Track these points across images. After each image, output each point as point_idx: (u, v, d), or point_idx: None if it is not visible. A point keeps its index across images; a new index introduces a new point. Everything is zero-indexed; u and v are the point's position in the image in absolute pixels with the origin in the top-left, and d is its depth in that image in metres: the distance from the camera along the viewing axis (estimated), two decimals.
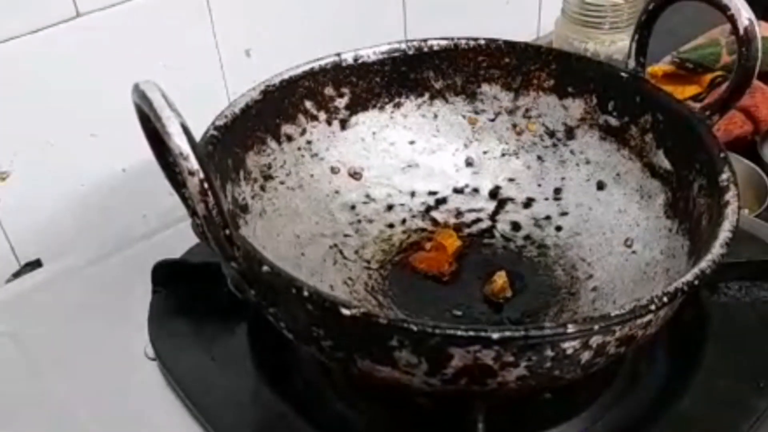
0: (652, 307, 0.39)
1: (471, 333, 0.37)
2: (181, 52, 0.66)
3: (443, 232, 0.59)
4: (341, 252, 0.56)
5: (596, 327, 0.38)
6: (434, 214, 0.61)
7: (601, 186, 0.58)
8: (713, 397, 0.49)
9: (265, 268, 0.40)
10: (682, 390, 0.49)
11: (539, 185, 0.61)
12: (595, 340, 0.40)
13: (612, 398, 0.50)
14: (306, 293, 0.39)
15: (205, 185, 0.37)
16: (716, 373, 0.50)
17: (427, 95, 0.61)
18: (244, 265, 0.40)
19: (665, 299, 0.40)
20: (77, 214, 0.67)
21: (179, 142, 0.36)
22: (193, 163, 0.36)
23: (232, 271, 0.41)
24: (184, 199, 0.43)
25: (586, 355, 0.40)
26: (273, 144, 0.55)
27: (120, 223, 0.68)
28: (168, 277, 0.56)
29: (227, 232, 0.39)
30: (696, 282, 0.41)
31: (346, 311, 0.38)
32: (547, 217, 0.59)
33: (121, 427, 0.50)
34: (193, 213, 0.40)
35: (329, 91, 0.58)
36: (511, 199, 0.61)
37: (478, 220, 0.61)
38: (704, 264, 0.41)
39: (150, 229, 0.66)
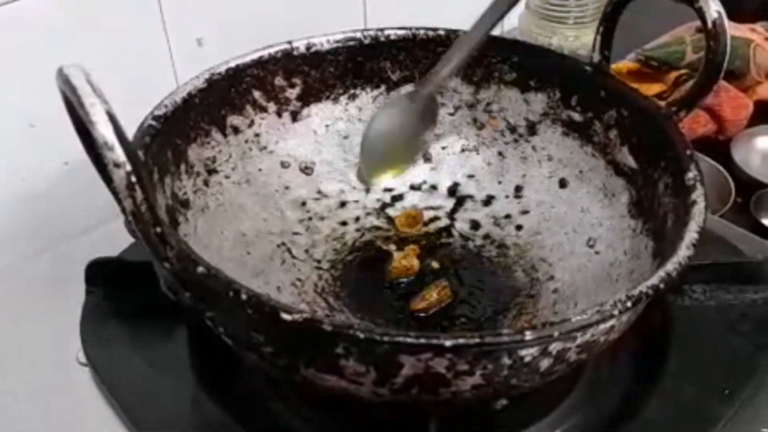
0: (615, 311, 0.37)
1: (422, 340, 0.34)
2: (128, 41, 0.62)
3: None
4: (290, 251, 0.53)
5: (556, 333, 0.36)
6: (390, 211, 0.58)
7: (563, 184, 0.56)
8: (678, 404, 0.47)
9: (201, 269, 0.37)
10: (645, 396, 0.47)
11: (500, 182, 0.58)
12: (555, 347, 0.37)
13: (572, 406, 0.48)
14: (244, 297, 0.36)
15: (132, 179, 0.34)
16: (681, 379, 0.48)
17: (383, 87, 0.59)
18: (177, 266, 0.37)
19: (629, 303, 0.37)
20: (16, 208, 0.63)
21: (104, 132, 0.33)
22: (119, 155, 0.33)
23: (164, 271, 0.38)
24: (115, 194, 0.39)
25: (545, 363, 0.38)
26: (218, 136, 0.52)
27: (61, 219, 0.65)
28: (103, 276, 0.52)
29: (158, 229, 0.36)
30: (661, 285, 0.39)
31: (287, 317, 0.35)
32: (508, 216, 0.57)
33: None
34: (123, 209, 0.37)
35: (279, 80, 0.55)
36: (471, 197, 0.59)
37: (435, 219, 0.58)
38: (670, 266, 0.39)
39: (91, 224, 0.63)
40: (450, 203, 0.59)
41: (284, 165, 0.56)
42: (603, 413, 0.48)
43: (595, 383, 0.49)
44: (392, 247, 0.56)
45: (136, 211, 0.34)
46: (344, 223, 0.57)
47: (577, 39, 0.81)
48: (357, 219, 0.57)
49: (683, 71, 0.80)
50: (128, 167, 0.33)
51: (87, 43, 0.59)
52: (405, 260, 0.53)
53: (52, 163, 0.64)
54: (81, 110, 0.34)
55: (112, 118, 0.34)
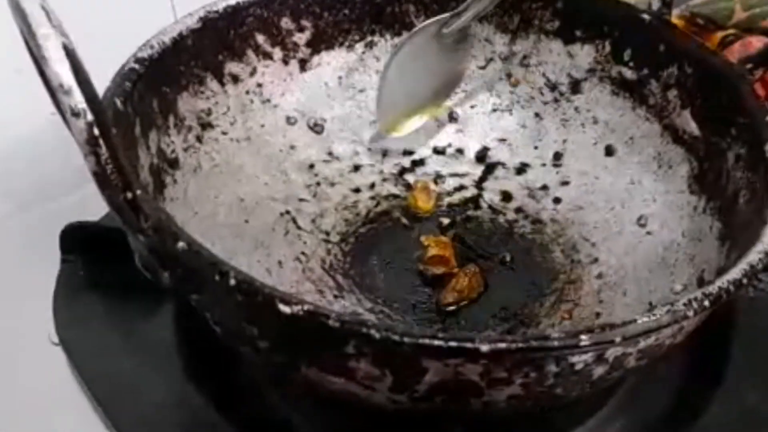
0: (690, 312, 0.30)
1: (452, 344, 0.28)
2: None
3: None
4: (294, 220, 0.47)
5: (618, 338, 0.29)
6: (409, 177, 0.51)
7: (610, 151, 0.49)
8: (739, 413, 0.41)
9: (181, 244, 0.30)
10: (703, 400, 0.41)
11: (536, 148, 0.51)
12: (613, 353, 0.31)
13: (615, 410, 0.41)
14: (233, 282, 0.29)
15: (95, 131, 0.27)
16: (743, 384, 0.42)
17: (405, 34, 0.51)
18: (153, 239, 0.30)
19: (706, 302, 0.30)
20: None
21: (58, 70, 0.26)
22: (78, 100, 0.27)
23: (139, 245, 0.31)
24: None
25: (599, 371, 0.31)
26: (214, 85, 0.45)
27: (47, 174, 0.58)
28: (81, 243, 0.46)
29: (128, 195, 0.29)
30: (744, 280, 0.32)
31: (285, 308, 0.28)
32: (544, 187, 0.50)
33: (17, 424, 0.41)
34: None
35: (287, 23, 0.48)
36: (502, 164, 0.51)
37: (461, 188, 0.51)
38: (754, 257, 0.32)
39: (78, 182, 0.56)
40: (478, 170, 0.51)
41: (290, 121, 0.49)
42: (653, 417, 0.41)
43: (645, 383, 0.42)
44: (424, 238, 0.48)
45: (99, 171, 0.28)
46: (357, 190, 0.50)
47: None
48: (372, 185, 0.50)
49: (730, 31, 0.72)
50: (89, 116, 0.27)
51: None
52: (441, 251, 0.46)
53: (38, 113, 0.57)
54: (32, 42, 0.27)
55: (71, 55, 0.27)
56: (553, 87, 0.51)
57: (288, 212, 0.47)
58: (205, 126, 0.45)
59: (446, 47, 0.50)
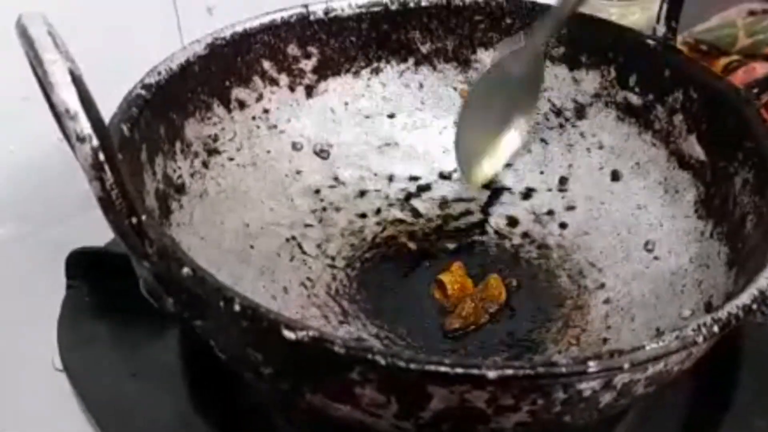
0: (699, 338, 0.30)
1: (459, 370, 0.27)
2: (132, 10, 0.56)
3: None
4: (300, 246, 0.47)
5: (627, 365, 0.29)
6: (415, 202, 0.51)
7: (616, 176, 0.49)
8: None
9: (186, 270, 0.30)
10: (710, 429, 0.41)
11: (541, 173, 0.51)
12: (621, 379, 0.30)
13: None
14: (238, 308, 0.29)
15: (100, 156, 0.27)
16: (752, 410, 0.41)
17: (411, 60, 0.51)
18: (160, 266, 0.30)
19: (715, 328, 0.30)
20: (5, 187, 0.57)
21: (65, 97, 0.27)
22: (84, 126, 0.27)
23: (144, 271, 0.31)
24: None
25: (606, 398, 0.31)
26: (221, 111, 0.45)
27: (53, 199, 0.58)
28: (87, 269, 0.46)
29: (134, 220, 0.29)
30: (754, 305, 0.31)
31: (290, 334, 0.28)
32: (550, 212, 0.50)
33: None
34: None
35: (293, 50, 0.48)
36: (508, 189, 0.51)
37: (467, 213, 0.51)
38: (763, 282, 0.32)
39: (85, 207, 0.56)
40: (484, 196, 0.51)
41: (296, 147, 0.49)
42: None
43: (653, 410, 0.42)
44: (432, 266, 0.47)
45: (104, 197, 0.28)
46: (363, 215, 0.50)
47: (624, 17, 0.74)
48: (378, 211, 0.50)
49: (734, 57, 0.72)
50: (95, 142, 0.27)
51: (88, 9, 0.53)
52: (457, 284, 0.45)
53: (46, 139, 0.58)
54: (39, 68, 0.27)
55: (77, 80, 0.27)
56: (558, 112, 0.51)
57: (293, 238, 0.47)
58: (212, 152, 0.45)
59: (514, 79, 0.47)
